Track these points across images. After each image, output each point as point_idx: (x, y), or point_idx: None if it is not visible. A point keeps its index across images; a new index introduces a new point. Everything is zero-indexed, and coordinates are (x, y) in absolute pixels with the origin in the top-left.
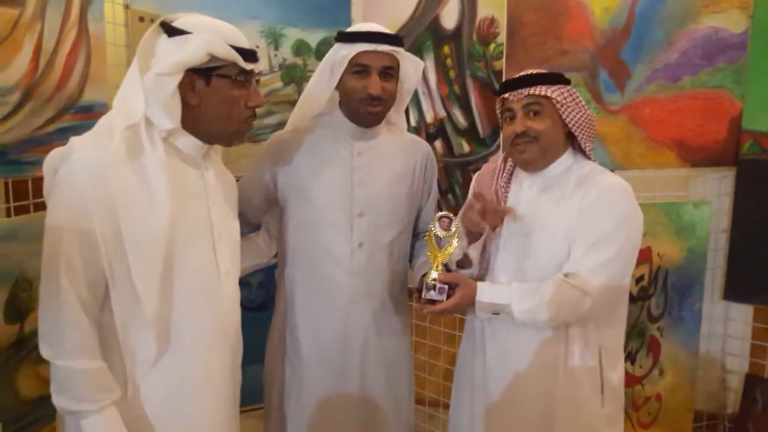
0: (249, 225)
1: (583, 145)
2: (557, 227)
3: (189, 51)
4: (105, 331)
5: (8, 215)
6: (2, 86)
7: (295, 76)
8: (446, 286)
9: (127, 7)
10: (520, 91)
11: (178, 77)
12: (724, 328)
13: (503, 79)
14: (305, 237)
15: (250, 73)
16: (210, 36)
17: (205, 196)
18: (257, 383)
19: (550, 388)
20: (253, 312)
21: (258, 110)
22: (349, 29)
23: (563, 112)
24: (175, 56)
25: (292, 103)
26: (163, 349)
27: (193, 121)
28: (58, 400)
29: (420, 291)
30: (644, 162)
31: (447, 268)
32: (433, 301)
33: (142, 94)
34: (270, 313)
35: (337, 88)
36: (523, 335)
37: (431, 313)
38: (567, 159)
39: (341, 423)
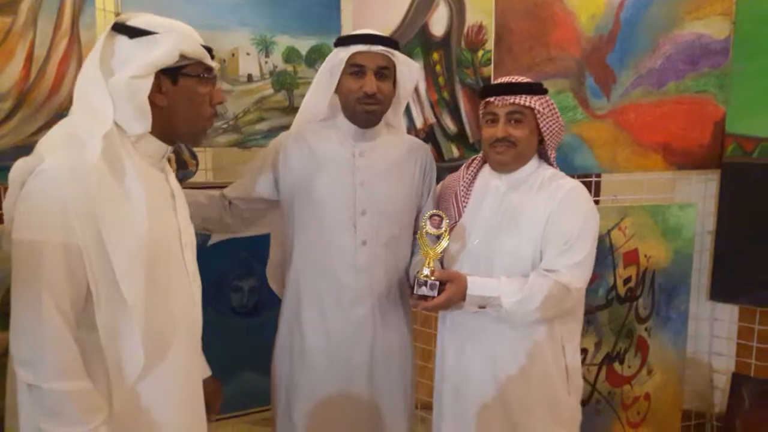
0: (237, 220)
1: (549, 152)
2: (524, 224)
3: (162, 51)
4: (86, 347)
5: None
6: None
7: (286, 83)
8: (437, 283)
9: (118, 15)
10: (506, 97)
11: (151, 79)
12: (711, 328)
13: None
14: (310, 236)
15: (212, 70)
16: (178, 35)
17: (172, 200)
18: (254, 388)
19: (527, 382)
20: (245, 317)
21: (250, 116)
22: (346, 34)
23: (541, 122)
24: (146, 57)
25: (283, 110)
26: (152, 359)
27: (159, 122)
28: (47, 426)
29: (412, 288)
30: (631, 165)
31: (441, 264)
32: (425, 297)
33: (110, 99)
34: (262, 318)
35: (337, 91)
36: (500, 334)
37: (423, 310)
38: (534, 163)
39: (348, 418)
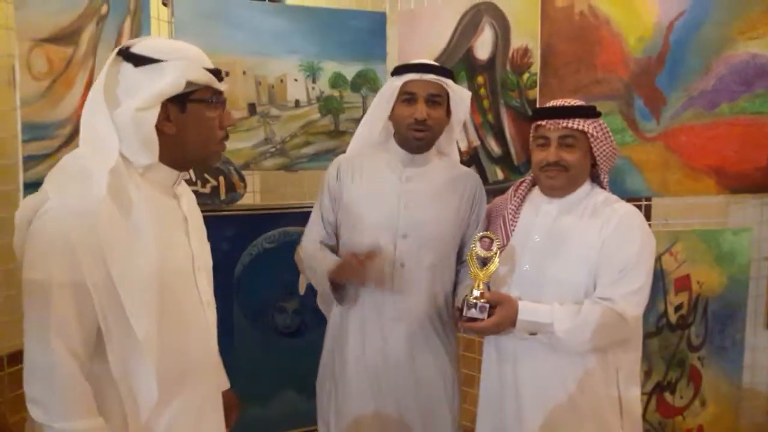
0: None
1: (601, 176)
2: (576, 250)
3: (168, 81)
4: (100, 381)
5: None
6: (55, 120)
7: (332, 108)
8: (487, 305)
9: None
10: (558, 121)
11: (157, 109)
12: None
13: (537, 107)
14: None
15: (221, 93)
16: (185, 62)
17: (184, 225)
18: (296, 408)
19: (576, 412)
20: (289, 338)
21: (296, 140)
22: (402, 63)
23: (594, 146)
24: (151, 88)
25: (329, 134)
26: (167, 391)
27: (169, 150)
28: None
29: (461, 310)
30: (682, 189)
31: (488, 287)
32: (474, 320)
33: (115, 130)
34: (306, 339)
35: (390, 118)
36: (549, 362)
37: (472, 331)
38: (586, 187)
39: None
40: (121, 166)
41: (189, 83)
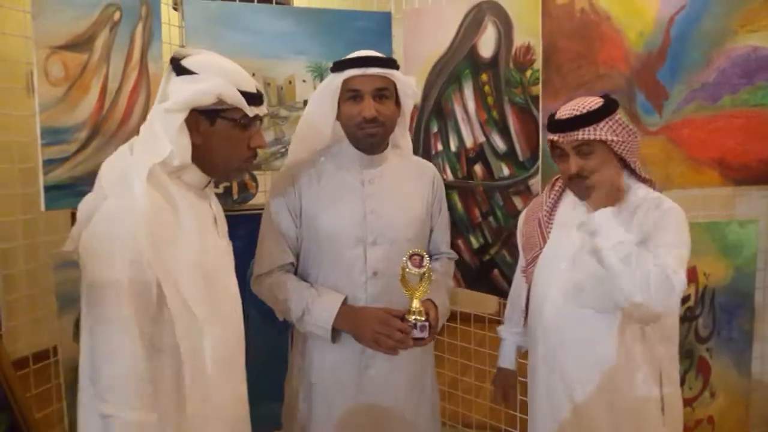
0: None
1: (632, 166)
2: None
3: (199, 91)
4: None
5: None
6: (73, 124)
7: None
8: (427, 323)
9: (183, 47)
10: (569, 134)
11: (184, 114)
12: None
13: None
14: (320, 268)
15: (255, 117)
16: (220, 80)
17: (215, 225)
18: None
19: (617, 405)
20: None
21: None
22: (341, 58)
23: (615, 148)
24: (184, 94)
25: None
26: (216, 380)
27: (196, 156)
28: None
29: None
30: (686, 182)
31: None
32: (418, 339)
33: (166, 134)
34: None
35: (338, 118)
36: (591, 351)
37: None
38: (623, 181)
39: None
40: (164, 164)
41: (220, 100)
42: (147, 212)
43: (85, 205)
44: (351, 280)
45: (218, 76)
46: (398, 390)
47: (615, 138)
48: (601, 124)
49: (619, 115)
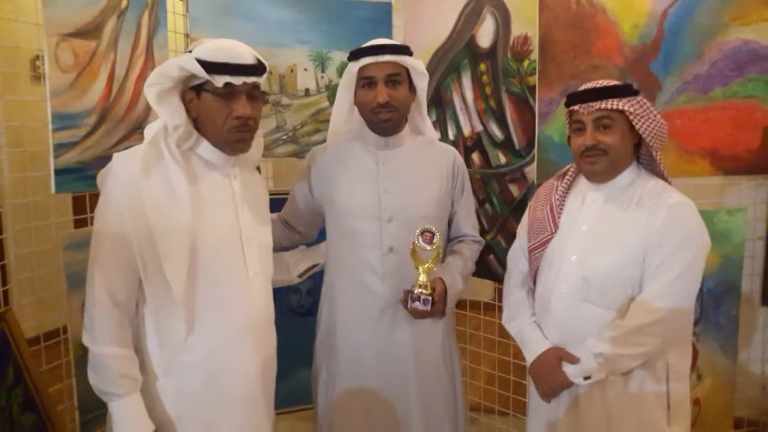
0: (298, 234)
1: (654, 154)
2: (624, 239)
3: (168, 64)
4: (143, 324)
5: (84, 225)
6: (82, 110)
7: None
8: (430, 297)
9: (187, 35)
10: (591, 104)
11: (163, 86)
12: (763, 334)
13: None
14: (340, 244)
15: (238, 86)
16: (200, 49)
17: (234, 201)
18: (307, 385)
19: (616, 403)
20: (302, 316)
21: (307, 128)
22: (357, 47)
23: (636, 123)
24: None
25: None
26: (191, 329)
27: (200, 130)
28: (91, 380)
29: (405, 301)
30: (676, 171)
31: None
32: (418, 310)
33: (170, 111)
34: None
35: (355, 103)
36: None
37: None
38: (632, 172)
39: (376, 424)
40: (160, 134)
41: (182, 69)
42: (138, 175)
43: (100, 174)
44: (368, 256)
45: (202, 48)
46: (421, 358)
47: (636, 111)
48: (625, 100)
49: (645, 99)
